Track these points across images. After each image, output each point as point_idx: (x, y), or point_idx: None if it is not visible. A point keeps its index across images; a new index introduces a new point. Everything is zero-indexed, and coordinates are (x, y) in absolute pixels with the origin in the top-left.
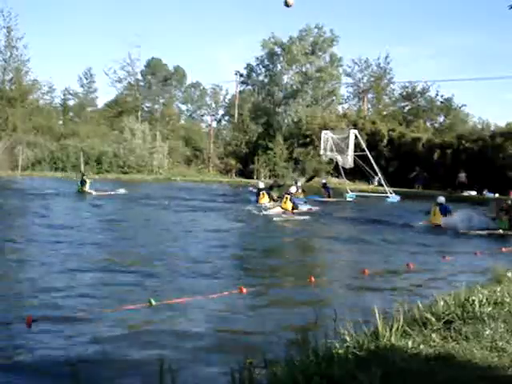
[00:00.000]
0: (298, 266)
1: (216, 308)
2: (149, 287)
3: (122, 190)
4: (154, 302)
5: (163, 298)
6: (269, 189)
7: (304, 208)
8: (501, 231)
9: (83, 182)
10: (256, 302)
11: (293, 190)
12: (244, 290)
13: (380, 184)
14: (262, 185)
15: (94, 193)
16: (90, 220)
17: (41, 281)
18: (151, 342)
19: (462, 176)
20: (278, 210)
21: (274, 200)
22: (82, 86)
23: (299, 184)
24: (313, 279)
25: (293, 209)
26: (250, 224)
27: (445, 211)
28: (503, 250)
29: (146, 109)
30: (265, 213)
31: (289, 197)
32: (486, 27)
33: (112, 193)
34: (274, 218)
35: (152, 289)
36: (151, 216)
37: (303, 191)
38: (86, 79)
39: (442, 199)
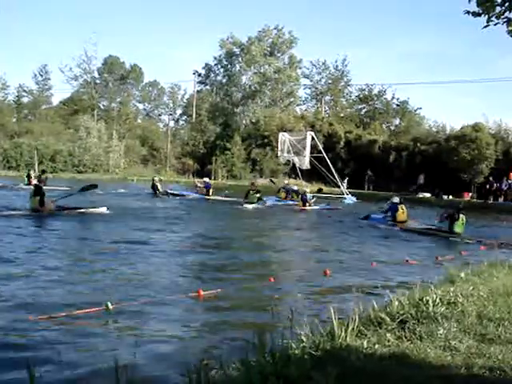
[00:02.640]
0: (259, 266)
1: (173, 310)
2: (106, 291)
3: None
4: (110, 306)
5: (120, 302)
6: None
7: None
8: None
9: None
10: (214, 304)
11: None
12: (202, 292)
13: (337, 186)
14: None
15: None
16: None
17: None
18: (108, 346)
19: (421, 178)
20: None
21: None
22: (36, 83)
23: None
24: (272, 280)
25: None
26: (213, 223)
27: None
28: (463, 253)
29: (102, 107)
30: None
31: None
32: (446, 32)
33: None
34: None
35: (109, 292)
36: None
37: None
38: (41, 76)
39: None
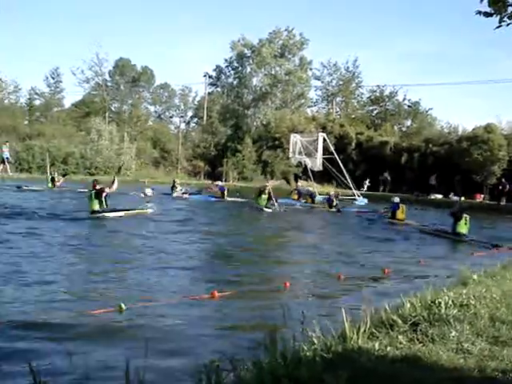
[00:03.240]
0: (274, 268)
1: (186, 311)
2: (119, 292)
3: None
4: (124, 307)
5: (134, 303)
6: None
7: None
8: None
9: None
10: (227, 306)
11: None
12: (216, 294)
13: (348, 187)
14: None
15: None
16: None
17: (5, 283)
18: (119, 346)
19: (432, 179)
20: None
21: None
22: (48, 85)
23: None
24: (288, 284)
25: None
26: (231, 225)
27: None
28: (474, 254)
29: (113, 109)
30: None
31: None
32: (447, 32)
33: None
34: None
35: (123, 293)
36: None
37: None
38: (53, 79)
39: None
